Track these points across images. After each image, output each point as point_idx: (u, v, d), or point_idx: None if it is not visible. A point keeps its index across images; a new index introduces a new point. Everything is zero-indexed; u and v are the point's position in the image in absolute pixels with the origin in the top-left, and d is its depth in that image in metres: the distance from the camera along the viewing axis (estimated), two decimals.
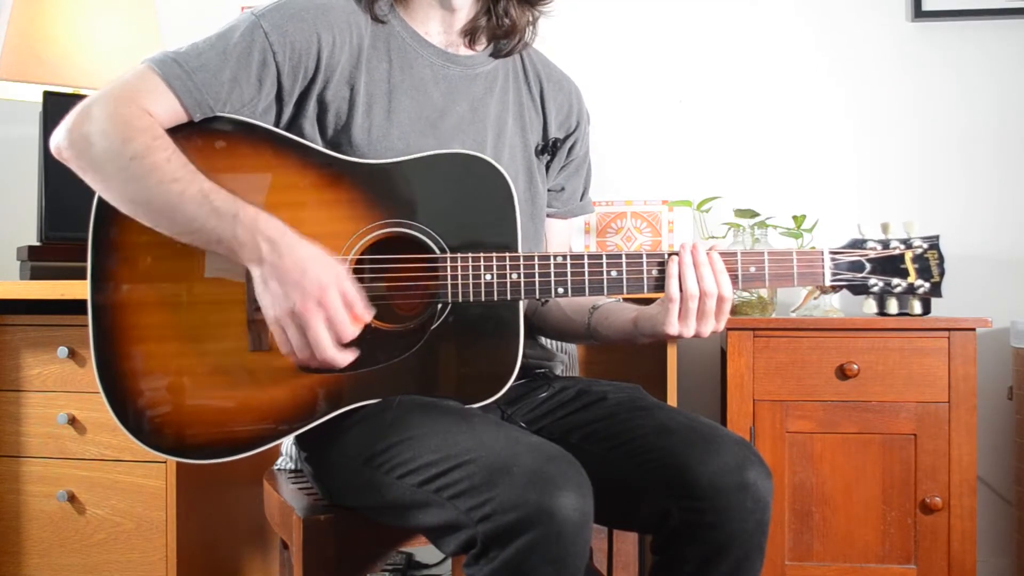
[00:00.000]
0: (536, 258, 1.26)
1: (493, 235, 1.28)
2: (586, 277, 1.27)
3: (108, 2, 2.24)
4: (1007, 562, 2.41)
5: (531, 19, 1.42)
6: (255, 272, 1.19)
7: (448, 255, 1.26)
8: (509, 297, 1.26)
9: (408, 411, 1.23)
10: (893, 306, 1.29)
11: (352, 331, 1.19)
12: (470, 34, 1.40)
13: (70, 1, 2.20)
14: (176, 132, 1.25)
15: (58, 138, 1.25)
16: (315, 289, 1.16)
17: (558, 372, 1.53)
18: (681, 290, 1.25)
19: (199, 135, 1.25)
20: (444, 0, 1.36)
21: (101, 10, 2.23)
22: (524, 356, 1.30)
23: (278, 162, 1.27)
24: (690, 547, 1.22)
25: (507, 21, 1.39)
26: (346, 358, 1.20)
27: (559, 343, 1.60)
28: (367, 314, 1.21)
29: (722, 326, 1.28)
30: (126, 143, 1.19)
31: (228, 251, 1.19)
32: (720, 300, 1.26)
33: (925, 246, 1.29)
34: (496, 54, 1.44)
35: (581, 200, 1.58)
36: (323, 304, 1.16)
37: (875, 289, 1.29)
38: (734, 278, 1.28)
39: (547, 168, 1.50)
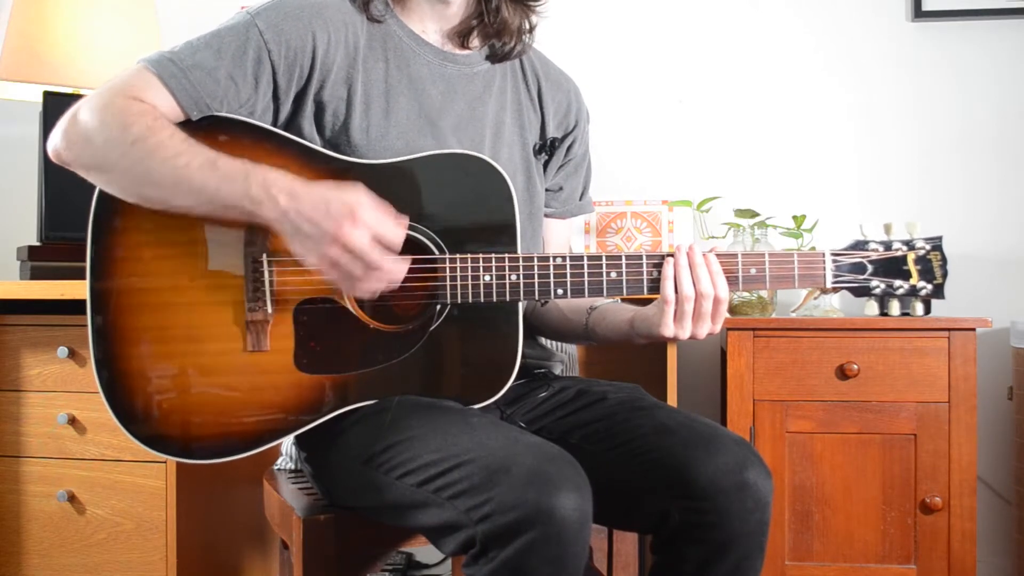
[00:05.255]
0: (535, 259, 1.26)
1: (492, 235, 1.28)
2: (585, 278, 1.27)
3: (108, 2, 2.24)
4: (1007, 562, 2.41)
5: (524, 22, 1.42)
6: (281, 227, 1.18)
7: (447, 256, 1.26)
8: (508, 298, 1.26)
9: (408, 411, 1.23)
10: (895, 307, 1.28)
11: (397, 232, 1.18)
12: (463, 35, 1.40)
13: (70, 1, 2.20)
14: None
15: (55, 141, 1.25)
16: (344, 211, 1.15)
17: (557, 372, 1.53)
18: (676, 292, 1.25)
19: (198, 136, 1.24)
20: None
21: (101, 10, 2.23)
22: (523, 356, 1.30)
23: (277, 162, 1.26)
24: (690, 547, 1.22)
25: (498, 19, 1.39)
26: (401, 266, 1.19)
27: (558, 343, 1.60)
28: (402, 218, 1.19)
29: (718, 328, 1.28)
30: (126, 128, 1.19)
31: (245, 213, 1.19)
32: (716, 302, 1.25)
33: (928, 247, 1.28)
34: (492, 57, 1.43)
35: (580, 200, 1.58)
36: (357, 220, 1.15)
37: (877, 291, 1.28)
38: (734, 279, 1.28)
39: (545, 167, 1.50)
